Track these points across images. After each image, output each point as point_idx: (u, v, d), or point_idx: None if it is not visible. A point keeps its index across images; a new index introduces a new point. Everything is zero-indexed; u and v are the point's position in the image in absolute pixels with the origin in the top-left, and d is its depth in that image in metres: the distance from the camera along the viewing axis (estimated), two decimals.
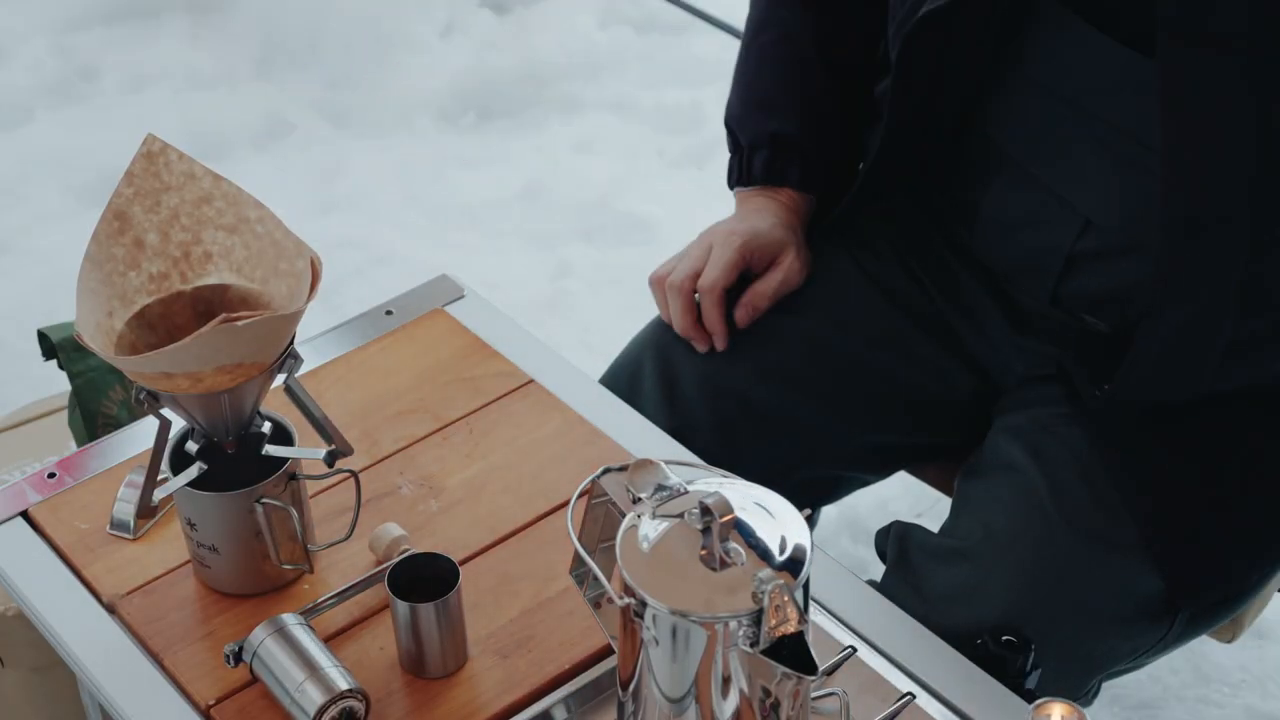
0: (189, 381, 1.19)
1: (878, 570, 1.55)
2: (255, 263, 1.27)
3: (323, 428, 1.31)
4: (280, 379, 1.27)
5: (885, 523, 2.32)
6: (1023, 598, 1.36)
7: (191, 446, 1.29)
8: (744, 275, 1.59)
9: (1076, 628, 1.40)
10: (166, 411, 1.27)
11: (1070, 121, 1.42)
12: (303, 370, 1.56)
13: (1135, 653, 1.47)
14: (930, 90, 1.51)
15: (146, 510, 1.31)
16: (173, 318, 1.27)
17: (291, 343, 1.25)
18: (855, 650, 1.29)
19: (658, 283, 1.60)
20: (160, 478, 1.29)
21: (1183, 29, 1.27)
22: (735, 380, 1.58)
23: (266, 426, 1.30)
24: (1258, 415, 1.46)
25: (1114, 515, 1.41)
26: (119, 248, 1.26)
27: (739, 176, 1.66)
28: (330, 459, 1.29)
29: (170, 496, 1.32)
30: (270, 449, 1.28)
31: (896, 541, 1.50)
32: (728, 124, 1.68)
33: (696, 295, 1.57)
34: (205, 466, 1.26)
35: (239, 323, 1.16)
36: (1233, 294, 1.36)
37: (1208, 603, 1.45)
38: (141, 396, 1.25)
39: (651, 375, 1.61)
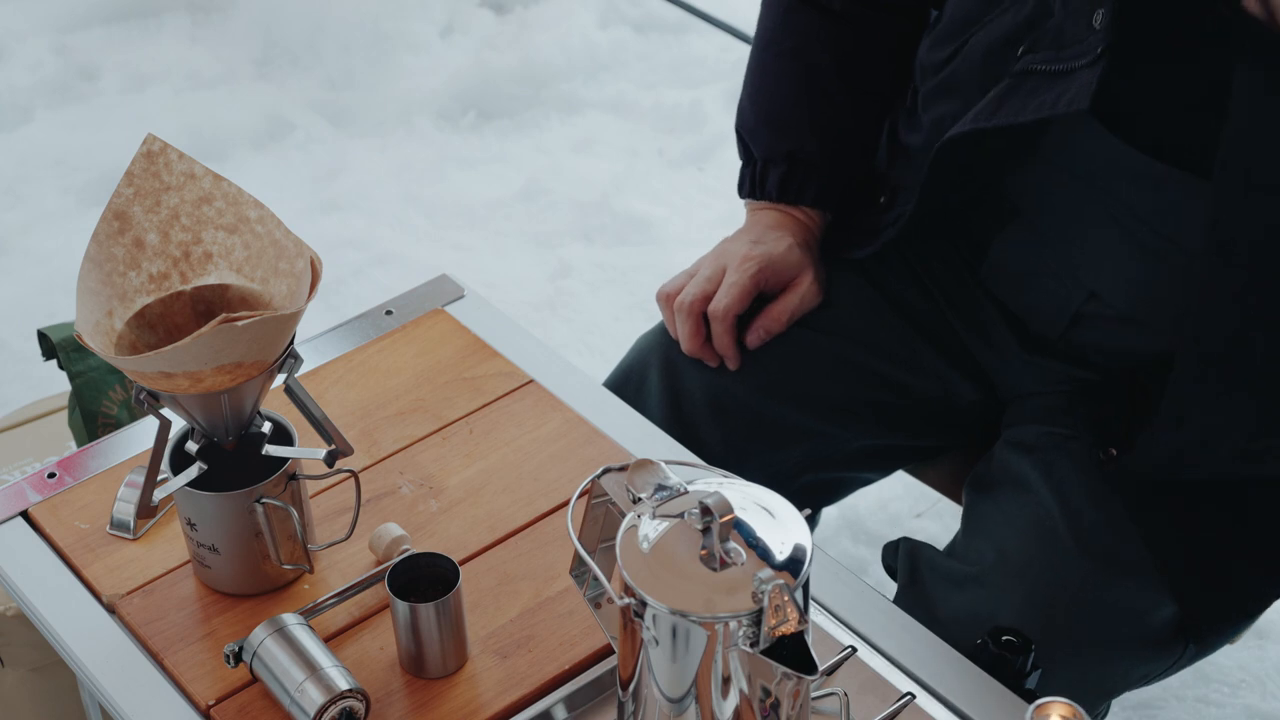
0: (189, 381, 1.19)
1: (878, 570, 1.55)
2: (255, 263, 1.27)
3: (322, 428, 1.31)
4: (280, 379, 1.27)
5: (885, 522, 2.32)
6: (1036, 623, 1.36)
7: (191, 446, 1.29)
8: (758, 294, 1.57)
9: (1090, 653, 1.39)
10: (166, 411, 1.27)
11: (1096, 204, 1.41)
12: (303, 370, 1.57)
13: (1147, 676, 1.45)
14: (960, 180, 1.49)
15: (146, 510, 1.31)
16: (173, 318, 1.27)
17: (291, 343, 1.25)
18: (855, 650, 1.29)
19: (666, 300, 1.57)
20: (160, 478, 1.29)
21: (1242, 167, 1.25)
22: (740, 388, 1.57)
23: (266, 426, 1.30)
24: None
25: (1127, 538, 1.40)
26: (119, 248, 1.26)
27: (751, 189, 1.62)
28: (330, 459, 1.29)
29: (170, 496, 1.32)
30: (270, 449, 1.28)
31: (907, 561, 1.49)
32: (739, 132, 1.64)
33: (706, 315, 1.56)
34: (205, 466, 1.26)
35: (239, 323, 1.16)
36: (1256, 394, 1.34)
37: (1219, 630, 1.44)
38: (141, 396, 1.25)
39: (656, 383, 1.61)
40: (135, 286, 1.26)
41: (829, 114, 1.60)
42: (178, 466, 1.28)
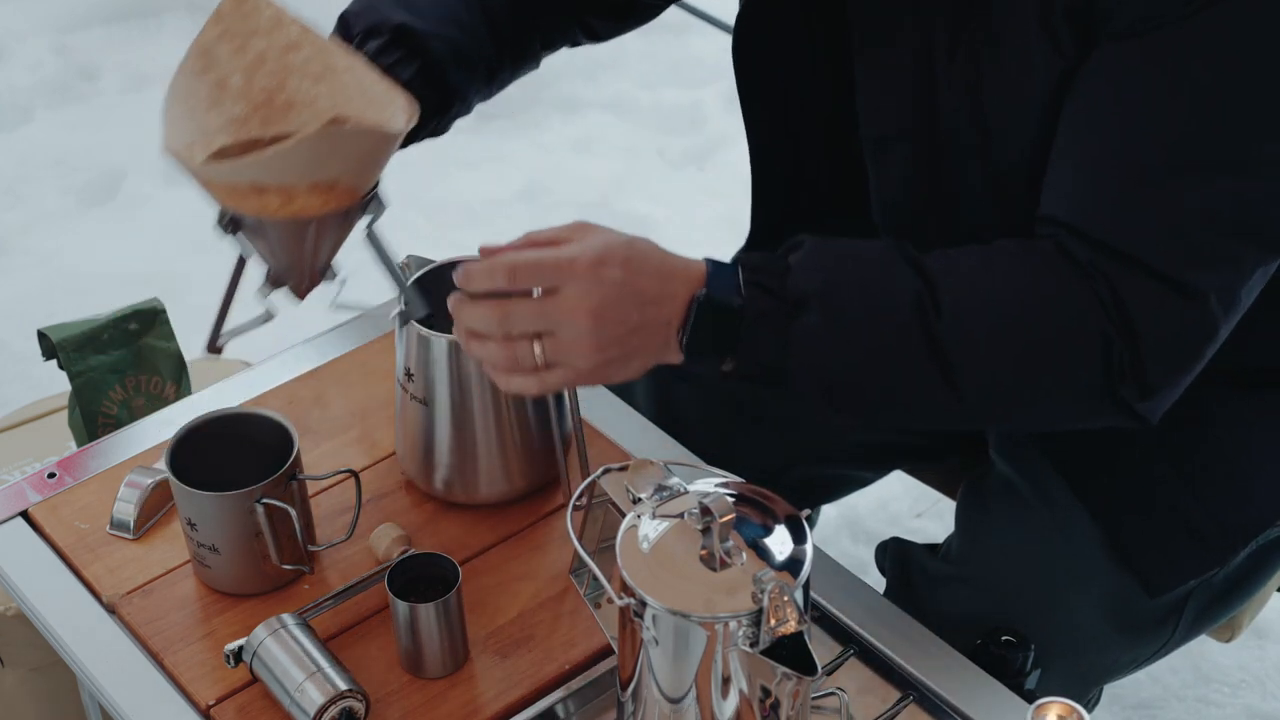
0: (280, 200, 1.17)
1: (879, 572, 1.55)
2: (341, 109, 1.22)
3: (400, 281, 1.30)
4: (363, 224, 1.25)
5: (885, 523, 2.32)
6: (1022, 618, 1.36)
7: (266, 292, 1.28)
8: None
9: (1078, 644, 1.39)
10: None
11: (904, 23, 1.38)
12: (302, 370, 1.57)
13: (1136, 661, 1.46)
14: (783, 102, 1.50)
15: (214, 347, 1.27)
16: None
17: (377, 184, 1.23)
18: (855, 650, 1.29)
19: None
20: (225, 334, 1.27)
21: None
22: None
23: (340, 278, 1.29)
24: (1227, 396, 1.42)
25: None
26: (202, 85, 1.23)
27: None
28: (404, 317, 1.29)
29: (170, 496, 1.32)
30: (341, 300, 1.28)
31: (896, 561, 1.50)
32: (341, 18, 1.43)
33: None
34: (274, 315, 1.25)
35: (346, 126, 1.13)
36: None
37: (1181, 581, 1.42)
38: (225, 221, 1.22)
39: (645, 377, 1.60)
40: (215, 126, 1.22)
41: (461, 20, 1.45)
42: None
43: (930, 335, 1.20)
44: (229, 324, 1.27)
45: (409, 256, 1.40)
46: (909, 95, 1.32)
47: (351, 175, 1.18)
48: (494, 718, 1.25)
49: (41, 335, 1.84)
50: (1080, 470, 1.40)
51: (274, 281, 1.27)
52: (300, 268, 1.25)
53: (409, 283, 1.35)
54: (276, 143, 1.18)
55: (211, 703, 1.25)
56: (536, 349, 1.16)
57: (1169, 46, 1.19)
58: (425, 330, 1.32)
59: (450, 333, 1.32)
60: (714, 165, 3.09)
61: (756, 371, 1.21)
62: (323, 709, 1.19)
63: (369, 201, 1.23)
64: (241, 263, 1.26)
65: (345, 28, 1.42)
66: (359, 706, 1.22)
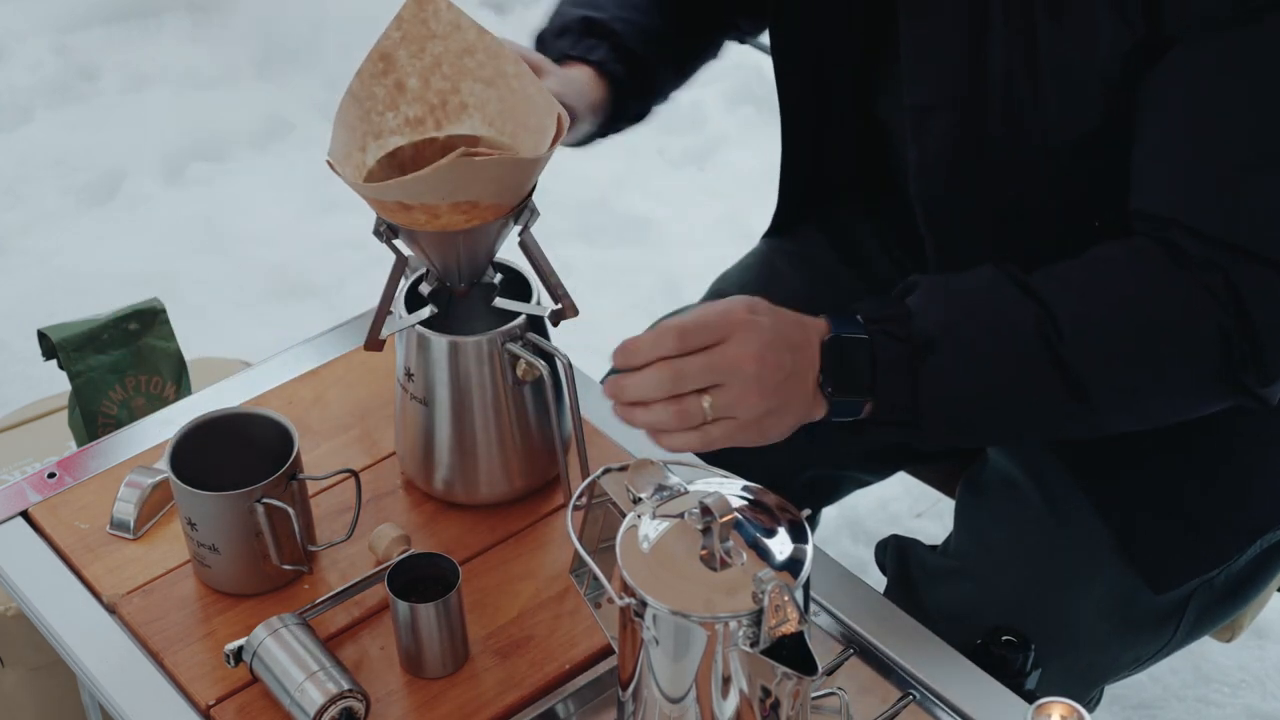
0: (425, 216, 1.21)
1: (878, 570, 1.55)
2: (507, 117, 1.29)
3: (553, 287, 1.32)
4: (515, 230, 1.29)
5: (885, 523, 2.32)
6: (1024, 615, 1.36)
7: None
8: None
9: (1078, 642, 1.39)
10: (410, 258, 1.30)
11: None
12: (303, 370, 1.57)
13: (1137, 660, 1.46)
14: (815, 71, 1.50)
15: (375, 343, 1.32)
16: (423, 161, 1.29)
17: (530, 194, 1.27)
18: (855, 650, 1.29)
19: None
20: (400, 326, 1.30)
21: None
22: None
23: (498, 278, 1.33)
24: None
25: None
26: (380, 88, 1.28)
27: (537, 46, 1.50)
28: (556, 318, 1.32)
29: (170, 495, 1.32)
30: (501, 301, 1.32)
31: (896, 557, 1.49)
32: (538, 38, 1.51)
33: None
34: (437, 309, 1.31)
35: (476, 159, 1.18)
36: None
37: (1185, 578, 1.42)
38: (381, 229, 1.27)
39: None
40: (391, 127, 1.29)
41: (641, 8, 1.54)
42: (412, 306, 1.33)
43: (1056, 357, 1.22)
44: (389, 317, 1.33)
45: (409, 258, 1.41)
46: (957, 60, 1.31)
47: (491, 195, 1.22)
48: (494, 718, 1.25)
49: (41, 335, 1.84)
50: (1085, 465, 1.40)
51: (434, 280, 1.32)
52: (457, 270, 1.29)
53: (406, 287, 1.36)
54: (450, 144, 1.27)
55: (211, 703, 1.26)
56: (705, 402, 1.18)
57: (1259, 36, 1.19)
58: (425, 330, 1.33)
59: (450, 334, 1.32)
60: (714, 165, 3.08)
61: (892, 417, 1.24)
62: (323, 709, 1.19)
63: (521, 210, 1.27)
64: (402, 261, 1.31)
65: (541, 44, 1.50)
66: (359, 706, 1.22)
